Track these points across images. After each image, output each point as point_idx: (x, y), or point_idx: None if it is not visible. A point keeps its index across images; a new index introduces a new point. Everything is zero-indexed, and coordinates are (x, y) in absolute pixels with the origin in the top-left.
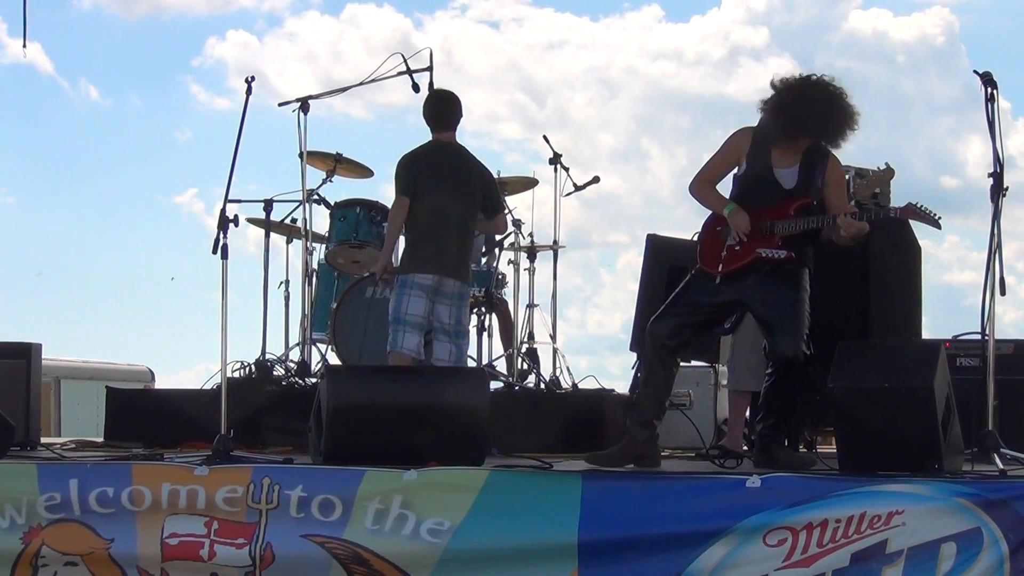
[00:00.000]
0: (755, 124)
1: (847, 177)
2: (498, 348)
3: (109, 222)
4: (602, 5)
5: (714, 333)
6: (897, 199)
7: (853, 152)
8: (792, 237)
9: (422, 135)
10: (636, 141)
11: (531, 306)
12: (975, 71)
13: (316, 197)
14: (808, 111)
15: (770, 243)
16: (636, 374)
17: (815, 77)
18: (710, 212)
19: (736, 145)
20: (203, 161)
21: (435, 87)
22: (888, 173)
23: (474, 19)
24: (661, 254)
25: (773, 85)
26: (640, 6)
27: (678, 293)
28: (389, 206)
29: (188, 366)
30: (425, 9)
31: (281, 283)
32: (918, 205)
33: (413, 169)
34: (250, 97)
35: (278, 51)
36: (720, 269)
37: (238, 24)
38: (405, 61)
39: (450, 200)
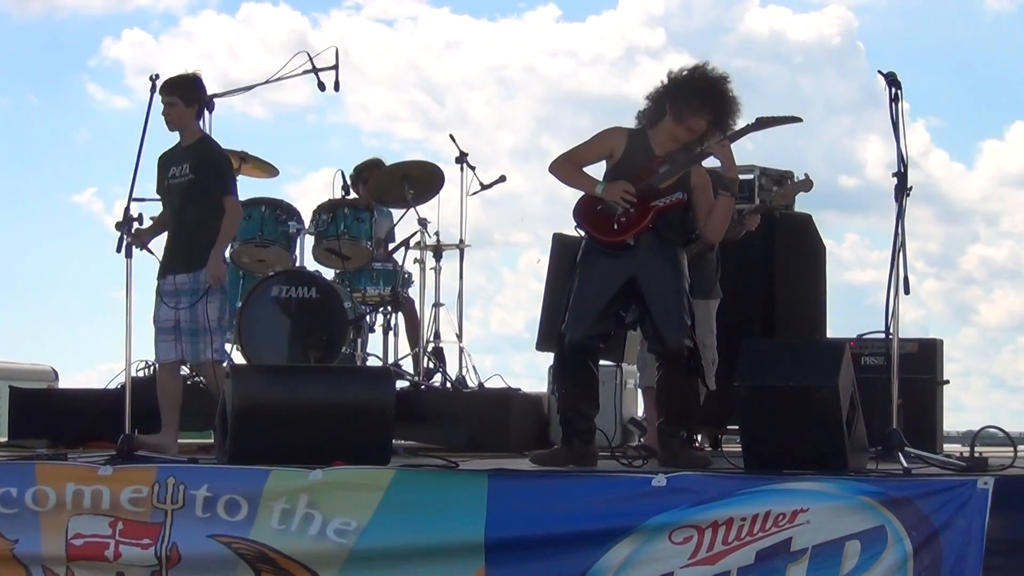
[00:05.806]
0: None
1: (752, 176)
2: (404, 347)
3: (8, 221)
4: (499, 5)
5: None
6: (800, 201)
7: (753, 152)
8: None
9: (323, 135)
10: (536, 140)
11: (437, 305)
12: (880, 71)
13: None
14: (709, 86)
15: (659, 195)
16: (552, 379)
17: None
18: (578, 204)
19: (608, 139)
20: (101, 160)
21: None
22: (807, 184)
23: (369, 18)
24: (567, 253)
25: (669, 75)
26: (536, 6)
27: (579, 292)
28: (295, 205)
29: (92, 365)
30: (320, 8)
31: None
32: (767, 116)
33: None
34: (154, 95)
35: (175, 50)
36: (632, 232)
37: (134, 23)
38: (311, 59)
39: None
